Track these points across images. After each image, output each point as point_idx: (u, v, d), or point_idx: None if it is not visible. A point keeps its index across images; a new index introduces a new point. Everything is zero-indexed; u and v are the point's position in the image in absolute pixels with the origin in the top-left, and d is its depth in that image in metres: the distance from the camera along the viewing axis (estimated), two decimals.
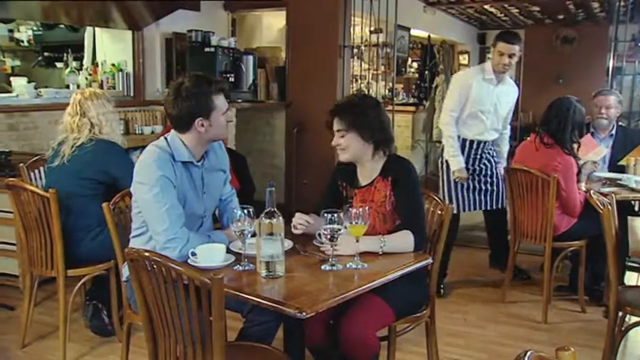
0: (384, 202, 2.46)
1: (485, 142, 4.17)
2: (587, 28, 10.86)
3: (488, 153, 4.21)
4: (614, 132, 4.23)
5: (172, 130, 2.39)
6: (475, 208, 4.21)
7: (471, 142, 4.15)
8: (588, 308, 3.82)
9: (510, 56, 3.88)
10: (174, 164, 2.30)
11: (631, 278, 4.24)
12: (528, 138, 4.04)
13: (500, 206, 4.22)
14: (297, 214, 2.42)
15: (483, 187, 4.18)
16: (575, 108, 3.67)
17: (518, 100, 4.27)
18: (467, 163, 4.14)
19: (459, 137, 4.11)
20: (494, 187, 4.20)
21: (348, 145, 2.45)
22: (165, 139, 2.38)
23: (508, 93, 4.15)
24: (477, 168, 4.17)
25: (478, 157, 4.16)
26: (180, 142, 2.35)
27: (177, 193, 2.28)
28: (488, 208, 4.23)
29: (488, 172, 4.19)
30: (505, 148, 4.39)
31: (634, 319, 2.78)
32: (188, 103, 2.28)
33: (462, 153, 4.11)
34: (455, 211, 4.03)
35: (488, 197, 4.20)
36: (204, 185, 2.42)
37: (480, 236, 5.61)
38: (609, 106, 4.13)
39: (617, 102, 4.19)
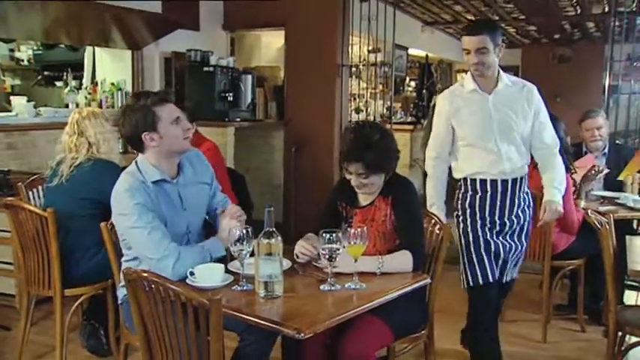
0: (385, 220, 2.47)
1: (507, 182, 2.87)
2: (584, 47, 10.97)
3: (522, 199, 2.92)
4: (606, 150, 4.23)
5: (139, 156, 2.40)
6: (488, 280, 2.89)
7: (483, 182, 2.88)
8: (588, 327, 3.81)
9: (479, 52, 2.74)
10: (146, 188, 2.30)
11: (630, 297, 4.22)
12: None
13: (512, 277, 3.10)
14: (300, 243, 2.39)
15: (504, 256, 2.91)
16: (555, 122, 3.47)
17: (544, 103, 2.95)
18: (485, 215, 2.89)
19: (464, 180, 2.96)
20: (518, 254, 2.99)
21: (372, 183, 2.45)
22: (136, 162, 2.38)
23: (514, 98, 2.87)
24: (502, 223, 2.88)
25: (502, 204, 2.87)
26: (147, 163, 2.35)
27: (157, 215, 2.28)
28: (503, 281, 3.01)
29: (516, 231, 2.92)
30: (553, 174, 2.95)
31: (634, 339, 2.77)
32: (130, 119, 2.29)
33: (474, 201, 2.90)
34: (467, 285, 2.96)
35: (506, 267, 2.98)
36: (182, 201, 2.40)
37: None
38: (600, 127, 4.12)
39: (605, 120, 4.19)
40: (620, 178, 4.08)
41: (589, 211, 3.16)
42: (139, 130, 2.28)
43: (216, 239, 2.37)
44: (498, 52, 2.80)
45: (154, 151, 2.33)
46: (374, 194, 2.51)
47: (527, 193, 2.97)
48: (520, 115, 2.87)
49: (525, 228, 2.96)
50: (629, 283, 4.16)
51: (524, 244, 2.99)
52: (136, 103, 2.30)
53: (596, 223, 2.86)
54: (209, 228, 2.57)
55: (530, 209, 2.98)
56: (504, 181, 2.87)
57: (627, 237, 3.14)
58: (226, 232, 2.30)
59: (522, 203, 2.93)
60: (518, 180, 2.89)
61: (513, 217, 2.90)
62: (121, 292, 2.42)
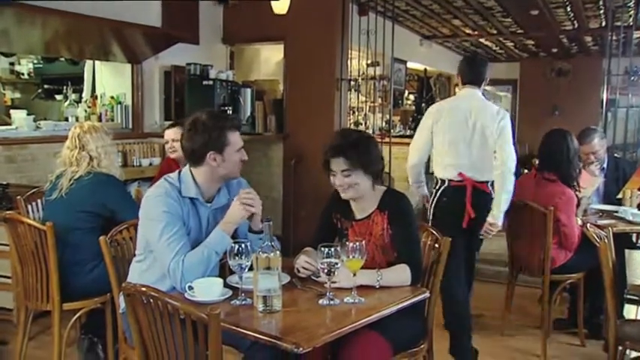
0: (383, 234, 2.47)
1: None
2: (581, 61, 11.03)
3: None
4: (605, 165, 4.23)
5: (187, 166, 2.41)
6: None
7: None
8: (588, 342, 3.79)
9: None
10: (180, 200, 2.32)
11: (630, 311, 4.20)
12: (526, 172, 4.04)
13: None
14: (302, 257, 2.38)
15: None
16: (570, 137, 3.67)
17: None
18: None
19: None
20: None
21: (354, 183, 2.44)
22: (179, 173, 2.40)
23: None
24: None
25: None
26: (191, 178, 2.37)
27: (184, 228, 2.29)
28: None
29: None
30: None
31: (634, 353, 2.76)
32: (203, 136, 2.31)
33: None
34: None
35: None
36: (209, 225, 2.39)
37: (480, 268, 5.59)
38: (595, 152, 4.07)
39: (600, 140, 4.12)
40: (619, 196, 4.07)
41: (588, 225, 3.16)
42: (208, 147, 2.31)
43: (217, 228, 2.32)
44: None
45: (210, 171, 2.35)
46: (369, 207, 2.51)
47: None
48: None
49: None
50: (628, 297, 4.15)
51: None
52: (211, 121, 2.33)
53: (595, 236, 2.86)
54: None
55: None
56: None
57: (626, 251, 3.15)
58: (229, 217, 2.29)
59: None
60: None
61: None
62: (123, 302, 2.41)
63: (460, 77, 3.67)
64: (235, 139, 2.37)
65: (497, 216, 3.41)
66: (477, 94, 3.57)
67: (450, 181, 3.51)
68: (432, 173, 3.70)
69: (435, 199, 3.57)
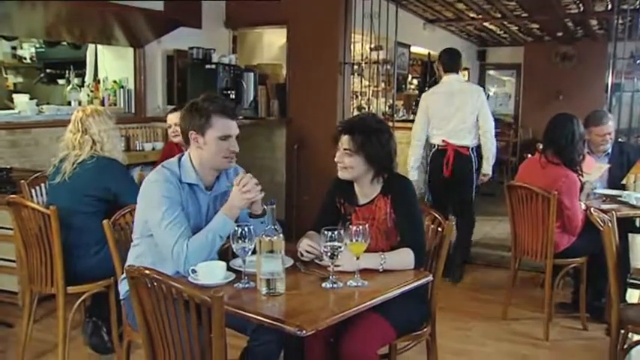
0: (386, 219, 2.47)
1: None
2: (586, 45, 10.93)
3: None
4: (609, 150, 4.21)
5: (187, 151, 2.42)
6: None
7: None
8: (590, 326, 3.80)
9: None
10: (179, 186, 2.32)
11: (633, 296, 4.21)
12: (530, 155, 4.03)
13: None
14: (305, 241, 2.38)
15: None
16: (577, 121, 3.67)
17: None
18: None
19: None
20: None
21: (351, 166, 2.44)
22: (179, 158, 2.40)
23: None
24: None
25: None
26: (190, 163, 2.37)
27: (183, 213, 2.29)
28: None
29: None
30: None
31: (636, 337, 2.77)
32: (190, 115, 2.35)
33: None
34: None
35: None
36: (208, 211, 2.39)
37: (479, 252, 5.61)
38: (610, 132, 4.09)
39: (612, 123, 4.15)
40: (624, 182, 4.06)
41: (591, 209, 3.15)
42: (191, 126, 2.34)
43: (220, 213, 2.31)
44: None
45: (198, 154, 2.36)
46: (372, 193, 2.50)
47: None
48: None
49: None
50: (631, 281, 4.16)
51: None
52: (202, 103, 2.36)
53: (598, 221, 2.85)
54: None
55: None
56: None
57: (630, 235, 3.13)
58: (231, 203, 2.29)
59: None
60: None
61: None
62: (123, 288, 2.42)
63: (442, 66, 4.82)
64: (221, 124, 2.34)
65: (487, 169, 4.73)
66: (456, 79, 4.79)
67: (438, 145, 4.76)
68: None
69: (430, 157, 4.89)
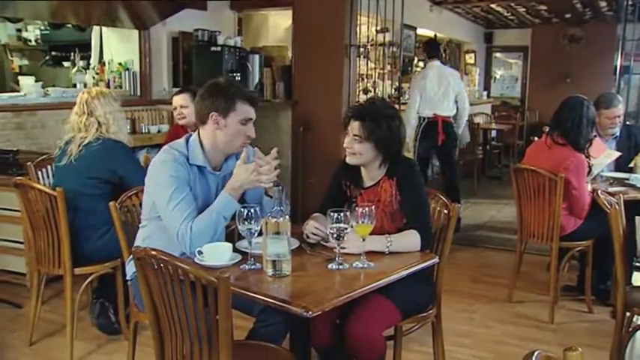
0: (391, 201, 2.46)
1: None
2: (595, 27, 10.80)
3: None
4: (617, 133, 4.18)
5: (196, 132, 2.40)
6: None
7: None
8: (595, 308, 3.81)
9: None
10: (188, 167, 2.31)
11: (639, 279, 4.21)
12: (537, 138, 4.02)
13: None
14: (311, 223, 2.38)
15: None
16: (588, 105, 3.64)
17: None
18: None
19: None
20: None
21: (360, 152, 2.42)
22: (187, 139, 2.39)
23: None
24: None
25: None
26: (198, 144, 2.36)
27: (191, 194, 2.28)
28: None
29: None
30: None
31: None
32: (213, 97, 2.32)
33: None
34: None
35: None
36: (217, 192, 2.36)
37: (485, 236, 5.62)
38: (620, 115, 4.07)
39: (622, 106, 4.12)
40: (631, 165, 4.04)
41: (599, 192, 3.14)
42: (214, 107, 2.31)
43: (223, 192, 2.30)
44: None
45: (211, 134, 2.34)
46: (378, 176, 2.50)
47: None
48: None
49: None
50: (637, 264, 4.15)
51: None
52: (227, 86, 2.35)
53: (605, 203, 2.84)
54: None
55: None
56: None
57: (637, 218, 3.13)
58: (234, 181, 2.28)
59: None
60: None
61: None
62: (130, 270, 2.43)
63: (426, 53, 6.14)
64: (244, 109, 2.34)
65: (467, 136, 6.54)
66: (439, 64, 5.93)
67: (428, 118, 5.80)
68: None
69: (422, 127, 5.83)
